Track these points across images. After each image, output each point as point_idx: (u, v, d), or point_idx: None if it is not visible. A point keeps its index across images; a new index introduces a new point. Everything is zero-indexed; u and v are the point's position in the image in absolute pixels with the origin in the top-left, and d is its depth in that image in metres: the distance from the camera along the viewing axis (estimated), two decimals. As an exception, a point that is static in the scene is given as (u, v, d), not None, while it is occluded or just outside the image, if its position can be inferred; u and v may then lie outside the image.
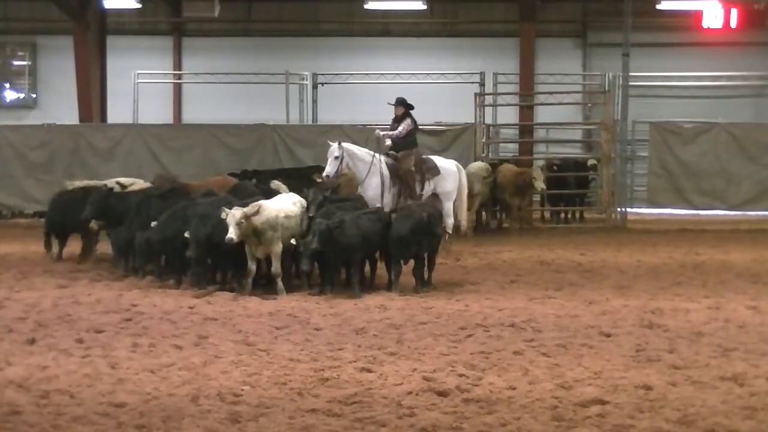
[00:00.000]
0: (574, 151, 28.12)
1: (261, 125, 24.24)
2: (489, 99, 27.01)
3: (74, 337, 9.93)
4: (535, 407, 7.55)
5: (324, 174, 16.00)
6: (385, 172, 16.14)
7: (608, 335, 10.25)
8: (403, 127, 16.60)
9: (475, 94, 24.86)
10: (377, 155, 16.23)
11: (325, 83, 30.10)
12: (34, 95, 31.58)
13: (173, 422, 7.14)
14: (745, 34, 27.86)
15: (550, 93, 26.40)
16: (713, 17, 26.32)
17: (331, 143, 16.16)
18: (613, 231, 21.88)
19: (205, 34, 31.44)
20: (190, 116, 30.74)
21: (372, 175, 16.06)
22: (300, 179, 18.03)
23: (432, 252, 13.40)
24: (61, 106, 28.50)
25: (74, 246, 16.62)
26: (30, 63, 31.55)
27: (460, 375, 8.46)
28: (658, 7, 26.91)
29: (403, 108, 16.73)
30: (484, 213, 22.11)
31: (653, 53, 28.93)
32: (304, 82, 30.13)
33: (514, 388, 8.07)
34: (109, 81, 25.83)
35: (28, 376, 8.34)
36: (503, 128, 28.42)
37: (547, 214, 24.44)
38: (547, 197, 23.91)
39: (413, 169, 16.55)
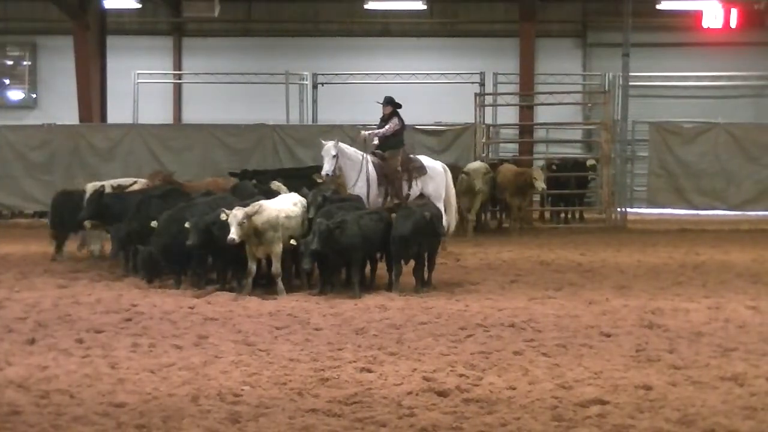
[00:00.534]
0: (574, 151, 28.11)
1: (261, 125, 24.24)
2: (489, 99, 27.00)
3: (74, 337, 9.93)
4: (535, 407, 7.55)
5: (323, 172, 15.98)
6: (372, 171, 16.13)
7: (608, 335, 10.25)
8: (389, 126, 16.57)
9: (475, 94, 24.89)
10: (365, 155, 16.24)
11: (325, 83, 30.08)
12: (34, 95, 31.53)
13: (173, 422, 7.14)
14: (745, 34, 27.85)
15: (550, 93, 26.40)
16: (713, 17, 26.32)
17: (324, 142, 16.15)
18: (613, 231, 21.90)
19: (205, 34, 31.42)
20: (190, 116, 30.71)
21: (362, 174, 16.06)
22: (300, 179, 18.01)
23: (432, 252, 13.41)
24: (61, 106, 28.51)
25: (73, 246, 16.67)
26: (30, 63, 31.49)
27: (460, 375, 8.46)
28: (658, 7, 26.94)
29: (391, 107, 16.66)
30: (483, 213, 22.11)
31: (653, 53, 28.92)
32: (304, 82, 30.10)
33: (514, 388, 8.06)
34: (109, 81, 25.86)
35: (28, 376, 8.34)
36: (503, 128, 28.39)
37: (547, 214, 24.45)
38: (547, 197, 23.91)
39: (400, 168, 16.52)
